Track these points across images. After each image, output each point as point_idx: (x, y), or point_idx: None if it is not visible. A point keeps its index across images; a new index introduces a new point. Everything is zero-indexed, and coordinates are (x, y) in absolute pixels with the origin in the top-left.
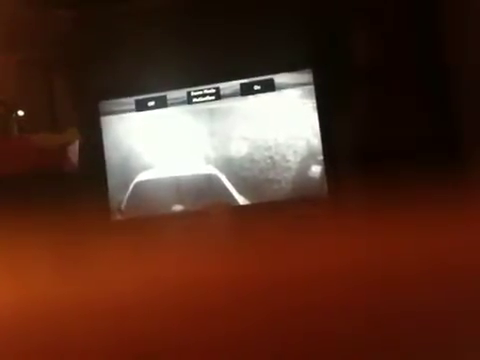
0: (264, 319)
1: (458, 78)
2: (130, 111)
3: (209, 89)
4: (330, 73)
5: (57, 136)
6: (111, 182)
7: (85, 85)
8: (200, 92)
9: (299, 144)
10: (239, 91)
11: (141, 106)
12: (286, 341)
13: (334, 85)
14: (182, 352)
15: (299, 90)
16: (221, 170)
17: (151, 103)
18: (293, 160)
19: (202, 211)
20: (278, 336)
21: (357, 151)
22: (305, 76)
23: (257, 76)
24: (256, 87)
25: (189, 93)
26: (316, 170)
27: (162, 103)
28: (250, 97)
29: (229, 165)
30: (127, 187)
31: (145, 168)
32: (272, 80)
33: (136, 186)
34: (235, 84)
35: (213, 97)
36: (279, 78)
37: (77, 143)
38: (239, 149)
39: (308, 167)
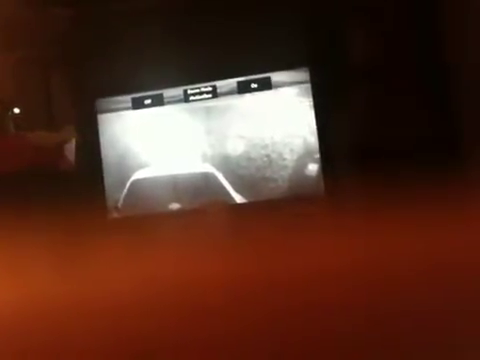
0: (261, 317)
1: (458, 77)
2: (127, 109)
3: (206, 87)
4: (327, 71)
5: (53, 134)
6: (108, 180)
7: (82, 83)
8: (197, 90)
9: (296, 142)
10: (236, 89)
11: (138, 104)
12: (284, 340)
13: (331, 83)
14: (180, 351)
15: (296, 88)
16: (218, 168)
17: (148, 101)
18: (290, 158)
19: (199, 209)
20: (275, 335)
21: (354, 149)
22: (302, 74)
23: (254, 74)
24: (253, 85)
25: (186, 91)
26: (313, 168)
27: (159, 101)
28: (247, 95)
29: (226, 163)
30: (124, 185)
31: (142, 166)
32: (269, 78)
33: (133, 184)
34: (232, 82)
35: (210, 95)
36: (276, 76)
37: (73, 141)
38: (236, 147)
39: (305, 165)
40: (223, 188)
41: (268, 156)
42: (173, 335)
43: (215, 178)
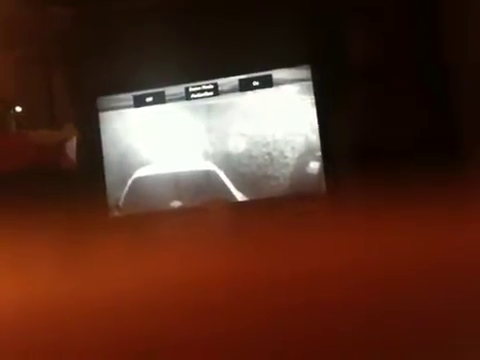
0: (263, 316)
1: (458, 77)
2: (128, 107)
3: (207, 85)
4: (328, 69)
5: (55, 132)
6: (109, 178)
7: (83, 81)
8: (198, 88)
9: (297, 140)
10: (237, 87)
11: (139, 102)
12: (285, 338)
13: (332, 81)
14: (182, 349)
15: (297, 86)
16: (219, 166)
17: (149, 99)
18: (291, 156)
19: (200, 207)
20: (277, 333)
21: (355, 148)
22: (303, 72)
23: (255, 72)
24: (254, 83)
25: (187, 89)
26: (314, 166)
27: (160, 99)
28: (248, 93)
29: (227, 161)
30: (125, 183)
31: (143, 164)
32: (270, 76)
33: (134, 182)
34: (233, 80)
35: (211, 93)
36: (277, 74)
37: (75, 139)
38: (237, 145)
39: (306, 163)
40: (224, 186)
41: (269, 154)
42: (176, 333)
43: (216, 176)
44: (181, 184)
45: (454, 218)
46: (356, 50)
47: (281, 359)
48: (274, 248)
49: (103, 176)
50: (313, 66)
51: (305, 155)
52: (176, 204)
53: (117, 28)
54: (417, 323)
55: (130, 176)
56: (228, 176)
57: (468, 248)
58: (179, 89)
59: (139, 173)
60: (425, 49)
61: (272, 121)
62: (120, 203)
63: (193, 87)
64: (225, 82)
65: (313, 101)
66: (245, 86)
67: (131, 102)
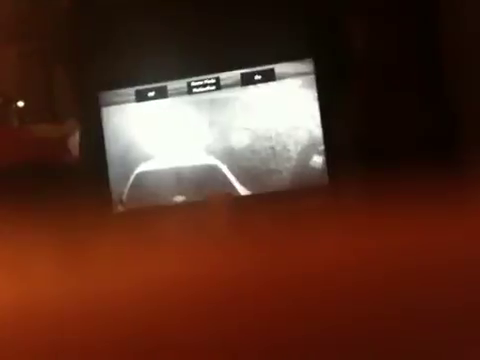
0: (266, 315)
1: (460, 66)
2: (130, 102)
3: (209, 79)
4: (332, 63)
5: (57, 127)
6: (112, 173)
7: (85, 76)
8: (200, 82)
9: (300, 134)
10: (240, 81)
11: (141, 97)
12: (287, 336)
13: (336, 75)
14: (184, 348)
15: (300, 80)
16: (222, 161)
17: (151, 94)
18: (294, 150)
19: (203, 202)
20: (278, 331)
21: (359, 141)
22: (306, 65)
23: (258, 66)
24: (257, 77)
25: (189, 83)
26: (317, 160)
27: (162, 93)
28: (251, 87)
29: (230, 156)
30: (128, 178)
31: (146, 159)
32: (273, 70)
33: (137, 177)
34: (236, 74)
35: (213, 87)
36: (280, 68)
37: (77, 134)
38: (240, 139)
39: (309, 157)
40: (227, 180)
41: (272, 148)
42: (177, 332)
43: (219, 170)
44: (184, 178)
45: (454, 218)
46: (359, 43)
47: (285, 358)
48: (277, 243)
49: (106, 171)
50: (316, 59)
51: (308, 149)
52: (179, 198)
53: (119, 22)
54: (417, 321)
55: (133, 171)
56: (231, 170)
57: (469, 246)
58: (181, 83)
59: (142, 168)
60: (428, 43)
61: (275, 115)
62: (123, 198)
63: (195, 81)
64: (227, 76)
65: (316, 95)
66: (247, 80)
67: (133, 97)
